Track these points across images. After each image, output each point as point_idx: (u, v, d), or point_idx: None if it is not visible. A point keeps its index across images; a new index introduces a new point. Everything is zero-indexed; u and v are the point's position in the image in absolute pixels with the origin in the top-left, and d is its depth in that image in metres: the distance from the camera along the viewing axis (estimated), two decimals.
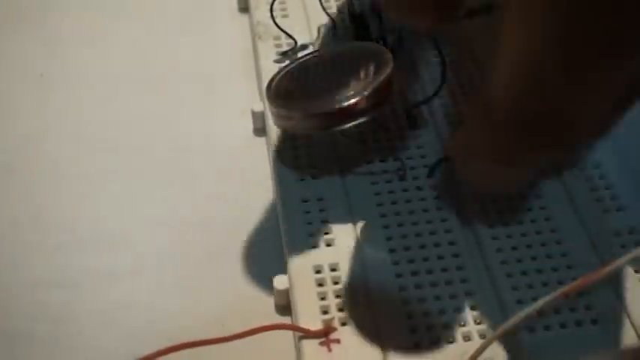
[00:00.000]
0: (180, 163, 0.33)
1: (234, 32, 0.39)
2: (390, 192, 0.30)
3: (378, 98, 0.27)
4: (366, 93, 0.27)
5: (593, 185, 0.30)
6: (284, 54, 0.35)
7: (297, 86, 0.29)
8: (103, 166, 0.33)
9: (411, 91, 0.33)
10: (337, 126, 0.27)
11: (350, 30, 0.35)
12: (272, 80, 0.30)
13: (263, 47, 0.35)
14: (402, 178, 0.30)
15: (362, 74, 0.28)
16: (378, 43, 0.33)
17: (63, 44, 0.38)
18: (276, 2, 0.36)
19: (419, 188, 0.30)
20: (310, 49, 0.35)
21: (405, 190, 0.30)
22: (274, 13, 0.36)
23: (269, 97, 0.29)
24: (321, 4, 0.36)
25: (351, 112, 0.27)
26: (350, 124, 0.27)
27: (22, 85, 0.36)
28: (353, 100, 0.27)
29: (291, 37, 0.35)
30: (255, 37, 0.36)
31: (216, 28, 0.39)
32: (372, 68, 0.27)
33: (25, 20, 0.39)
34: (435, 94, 0.30)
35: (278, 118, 0.29)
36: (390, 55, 0.28)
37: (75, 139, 0.34)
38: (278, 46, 0.35)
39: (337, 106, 0.27)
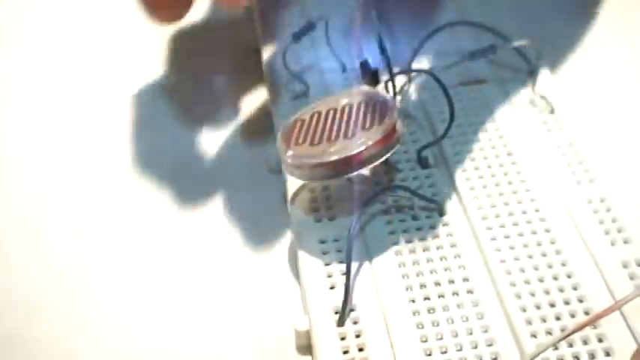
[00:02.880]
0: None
1: None
2: (404, 231, 0.31)
3: (384, 145, 0.28)
4: (370, 142, 0.28)
5: (600, 218, 0.31)
6: (296, 98, 0.36)
7: (305, 134, 0.30)
8: None
9: (422, 131, 0.35)
10: (344, 174, 0.29)
11: (359, 74, 0.36)
12: (283, 128, 0.31)
13: (277, 91, 0.37)
14: (441, 214, 0.31)
15: (367, 121, 0.29)
16: (387, 85, 0.34)
17: None
18: (288, 47, 0.37)
19: (432, 227, 0.31)
20: (322, 95, 0.36)
21: (418, 229, 0.31)
22: (287, 58, 0.38)
23: (279, 146, 0.30)
24: (331, 48, 0.37)
25: (357, 161, 0.28)
26: (357, 172, 0.28)
27: None
28: (357, 150, 0.28)
29: (304, 82, 0.36)
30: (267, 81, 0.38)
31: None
32: (377, 115, 0.29)
33: None
34: (443, 136, 0.31)
35: (288, 166, 0.30)
36: (393, 102, 0.29)
37: None
38: (291, 90, 0.37)
39: (343, 155, 0.28)
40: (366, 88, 0.32)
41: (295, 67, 0.37)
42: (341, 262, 0.30)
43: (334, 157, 0.28)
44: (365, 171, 0.29)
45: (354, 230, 0.28)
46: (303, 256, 0.30)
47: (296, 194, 0.32)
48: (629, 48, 0.41)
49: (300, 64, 0.38)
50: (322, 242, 0.31)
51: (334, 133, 0.30)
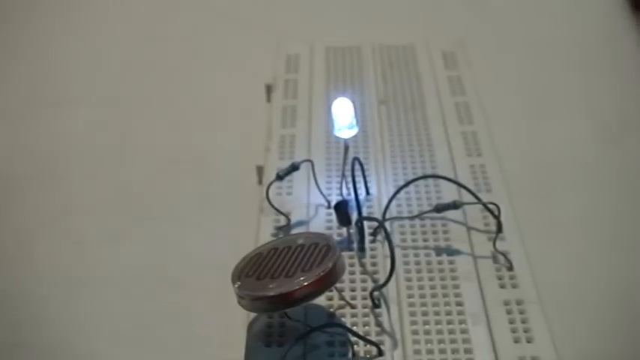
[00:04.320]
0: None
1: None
2: None
3: (318, 287, 0.32)
4: (305, 283, 0.31)
5: None
6: (280, 229, 0.40)
7: (257, 268, 0.34)
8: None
9: (385, 272, 0.38)
10: (280, 309, 0.32)
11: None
12: (242, 260, 0.35)
13: (264, 221, 0.41)
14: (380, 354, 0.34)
15: (309, 263, 0.32)
16: (359, 227, 0.38)
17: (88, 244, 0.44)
18: (285, 180, 0.41)
19: None
20: (303, 227, 0.40)
21: None
22: (281, 190, 0.42)
23: (232, 277, 0.34)
24: (319, 188, 0.41)
25: (291, 298, 0.31)
26: (291, 308, 0.31)
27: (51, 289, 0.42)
28: (292, 289, 0.31)
29: (285, 215, 0.40)
30: (259, 210, 0.42)
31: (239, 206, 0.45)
32: (319, 258, 0.32)
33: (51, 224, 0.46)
34: (386, 282, 0.34)
35: (237, 296, 0.33)
36: (336, 248, 0.33)
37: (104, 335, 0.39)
38: (277, 221, 0.41)
39: (279, 292, 0.31)
40: (320, 232, 0.36)
41: (282, 202, 0.41)
42: None
43: (271, 293, 0.32)
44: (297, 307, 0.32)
45: None
46: None
47: (256, 319, 0.36)
48: None
49: (292, 195, 0.42)
50: None
51: (279, 270, 0.33)
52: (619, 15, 0.55)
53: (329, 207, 0.41)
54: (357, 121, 0.41)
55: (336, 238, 0.39)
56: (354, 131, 0.40)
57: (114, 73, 0.58)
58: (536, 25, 0.60)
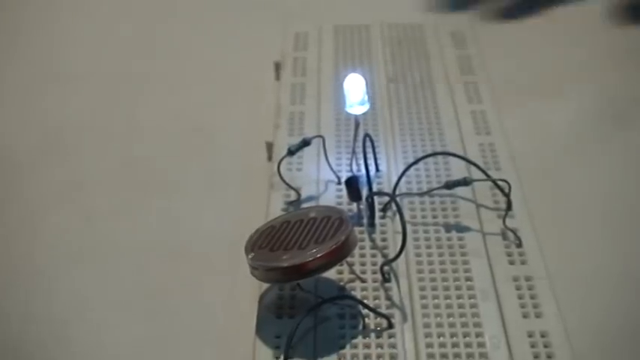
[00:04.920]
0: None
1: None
2: (353, 337, 0.34)
3: (330, 259, 0.32)
4: (318, 255, 0.32)
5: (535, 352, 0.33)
6: (290, 204, 0.40)
7: (270, 240, 0.34)
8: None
9: (395, 247, 0.38)
10: (294, 280, 0.32)
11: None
12: (255, 233, 0.35)
13: (274, 196, 0.41)
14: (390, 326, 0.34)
15: (322, 236, 0.33)
16: (369, 202, 0.38)
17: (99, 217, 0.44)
18: (295, 157, 0.42)
19: (378, 337, 0.34)
20: (313, 202, 0.40)
21: (367, 347, 0.34)
22: (291, 166, 0.42)
23: (245, 248, 0.34)
24: (329, 164, 0.41)
25: (304, 270, 0.32)
26: (304, 279, 0.32)
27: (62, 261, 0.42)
28: (305, 260, 0.32)
29: (295, 190, 0.41)
30: (269, 186, 0.42)
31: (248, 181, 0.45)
32: (332, 231, 0.33)
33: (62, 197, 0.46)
34: (396, 257, 0.35)
35: (250, 267, 0.34)
36: (349, 222, 0.33)
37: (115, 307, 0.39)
38: (287, 196, 0.41)
39: (292, 264, 0.32)
40: (332, 206, 0.37)
41: (292, 177, 0.42)
42: (289, 357, 0.33)
43: (285, 264, 0.32)
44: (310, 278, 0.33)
45: (292, 332, 0.32)
46: (258, 345, 0.34)
47: (267, 291, 0.36)
48: None
49: (302, 171, 0.43)
50: (277, 337, 0.34)
51: (292, 242, 0.33)
52: None
53: (339, 183, 0.41)
54: (368, 99, 0.41)
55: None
56: (366, 108, 0.41)
57: (123, 49, 0.58)
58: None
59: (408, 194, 0.41)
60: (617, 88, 0.51)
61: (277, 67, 0.52)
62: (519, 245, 0.38)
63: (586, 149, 0.47)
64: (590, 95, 0.51)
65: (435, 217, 0.40)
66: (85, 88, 0.54)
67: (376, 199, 0.39)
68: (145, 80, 0.54)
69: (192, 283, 0.39)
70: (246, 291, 0.37)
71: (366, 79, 0.41)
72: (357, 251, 0.37)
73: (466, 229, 0.39)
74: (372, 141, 0.41)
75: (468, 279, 0.37)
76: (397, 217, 0.38)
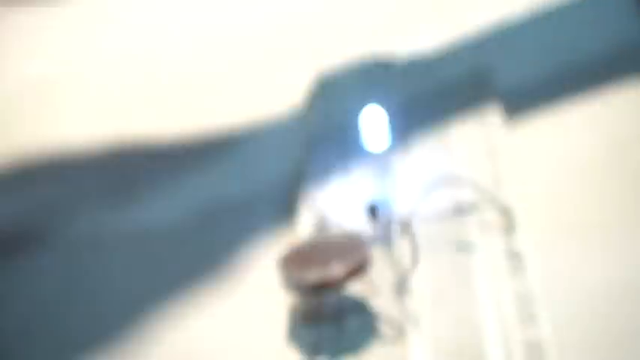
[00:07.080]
0: None
1: None
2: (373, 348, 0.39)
3: (353, 275, 0.38)
4: (335, 274, 0.38)
5: None
6: (316, 226, 0.46)
7: (299, 257, 0.40)
8: None
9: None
10: (318, 294, 0.38)
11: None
12: (288, 248, 0.41)
13: (302, 218, 0.46)
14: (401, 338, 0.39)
15: (341, 257, 0.38)
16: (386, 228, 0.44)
17: None
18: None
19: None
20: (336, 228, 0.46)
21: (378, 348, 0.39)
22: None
23: (277, 263, 0.40)
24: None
25: (328, 284, 0.38)
26: (323, 295, 0.38)
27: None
28: (329, 275, 0.38)
29: (320, 214, 0.46)
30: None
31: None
32: (349, 254, 0.38)
33: None
34: (409, 276, 0.40)
35: (281, 280, 0.39)
36: (364, 245, 0.39)
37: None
38: (313, 219, 0.46)
39: (316, 278, 0.38)
40: (351, 230, 0.43)
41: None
42: None
43: (312, 278, 0.38)
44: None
45: (316, 341, 0.38)
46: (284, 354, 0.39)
47: (296, 301, 0.41)
48: None
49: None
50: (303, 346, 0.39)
51: (318, 259, 0.39)
52: (632, 19, 0.58)
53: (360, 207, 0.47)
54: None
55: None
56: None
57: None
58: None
59: (422, 218, 0.45)
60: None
61: None
62: (520, 266, 0.43)
63: (587, 175, 0.50)
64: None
65: (446, 241, 0.45)
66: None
67: (392, 223, 0.45)
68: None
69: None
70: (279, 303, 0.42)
71: None
72: (375, 269, 0.42)
73: (474, 250, 0.44)
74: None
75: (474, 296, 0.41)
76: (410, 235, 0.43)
